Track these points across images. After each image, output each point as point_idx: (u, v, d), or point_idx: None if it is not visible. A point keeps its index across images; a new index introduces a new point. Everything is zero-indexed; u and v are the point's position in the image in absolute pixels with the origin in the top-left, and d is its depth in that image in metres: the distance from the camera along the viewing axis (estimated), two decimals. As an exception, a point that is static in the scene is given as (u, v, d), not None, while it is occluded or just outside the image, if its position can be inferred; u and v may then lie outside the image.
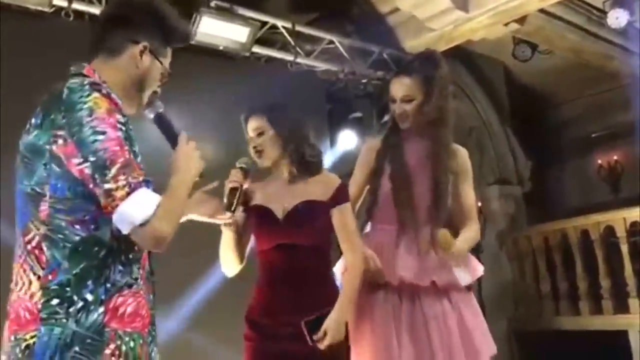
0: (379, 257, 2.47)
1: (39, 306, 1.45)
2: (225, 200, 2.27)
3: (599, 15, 5.69)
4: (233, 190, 2.28)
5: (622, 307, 5.89)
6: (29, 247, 1.50)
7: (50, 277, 1.46)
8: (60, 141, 1.48)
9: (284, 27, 4.87)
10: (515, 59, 6.36)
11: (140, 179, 1.49)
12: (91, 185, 1.47)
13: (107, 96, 1.54)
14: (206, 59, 4.41)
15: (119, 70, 1.66)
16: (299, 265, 2.34)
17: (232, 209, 2.27)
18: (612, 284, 5.97)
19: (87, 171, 1.46)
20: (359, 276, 2.34)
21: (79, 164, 1.46)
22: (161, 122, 1.76)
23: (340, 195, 2.39)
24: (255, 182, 2.45)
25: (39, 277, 1.47)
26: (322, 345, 2.21)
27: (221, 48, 4.42)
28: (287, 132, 2.41)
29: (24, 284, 1.49)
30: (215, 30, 4.31)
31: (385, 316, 2.42)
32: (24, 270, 1.50)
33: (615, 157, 7.57)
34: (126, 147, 1.49)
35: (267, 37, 4.88)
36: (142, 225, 1.46)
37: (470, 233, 2.49)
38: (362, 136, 5.06)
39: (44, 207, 1.49)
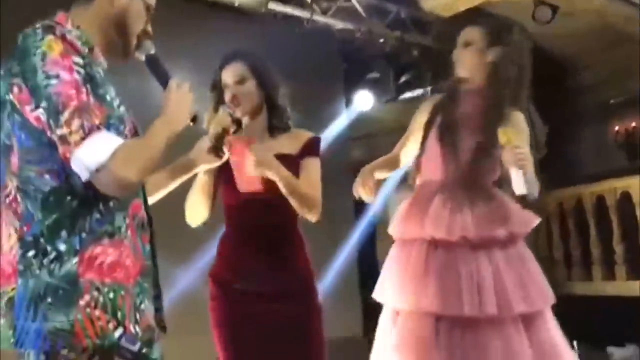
0: (413, 211, 2.50)
1: (17, 258, 1.45)
2: (211, 144, 2.15)
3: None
4: (221, 134, 2.14)
5: (635, 272, 5.89)
6: (7, 200, 1.49)
7: (25, 228, 1.45)
8: (16, 89, 1.45)
9: (300, -17, 4.80)
10: (534, 21, 6.22)
11: (97, 122, 1.42)
12: (49, 133, 1.42)
13: (62, 37, 1.47)
14: (221, 15, 4.34)
15: (95, 14, 1.59)
16: (269, 221, 2.28)
17: (220, 153, 2.16)
18: (625, 250, 5.96)
19: (42, 118, 1.43)
20: (308, 205, 2.25)
21: (32, 110, 1.43)
22: (151, 64, 1.70)
23: (308, 148, 2.32)
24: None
25: (16, 230, 1.46)
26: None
27: (237, 4, 4.35)
28: (269, 84, 2.32)
29: (5, 238, 1.48)
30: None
31: (415, 265, 2.42)
32: (5, 224, 1.49)
33: (633, 124, 7.45)
34: (83, 90, 1.43)
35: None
36: (98, 170, 1.41)
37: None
38: (379, 97, 5.02)
39: (14, 159, 1.48)
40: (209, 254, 2.55)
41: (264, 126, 2.33)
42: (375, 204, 5.39)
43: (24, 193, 1.46)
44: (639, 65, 6.29)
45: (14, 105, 1.46)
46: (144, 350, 1.48)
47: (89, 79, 1.46)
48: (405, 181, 5.23)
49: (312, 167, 2.31)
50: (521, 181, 2.28)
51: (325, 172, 2.35)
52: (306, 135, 2.37)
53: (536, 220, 2.52)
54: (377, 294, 2.56)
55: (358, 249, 5.35)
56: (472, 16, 5.44)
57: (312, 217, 2.27)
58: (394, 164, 2.72)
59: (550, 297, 2.45)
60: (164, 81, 1.67)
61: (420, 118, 2.63)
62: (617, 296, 5.84)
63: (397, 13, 5.37)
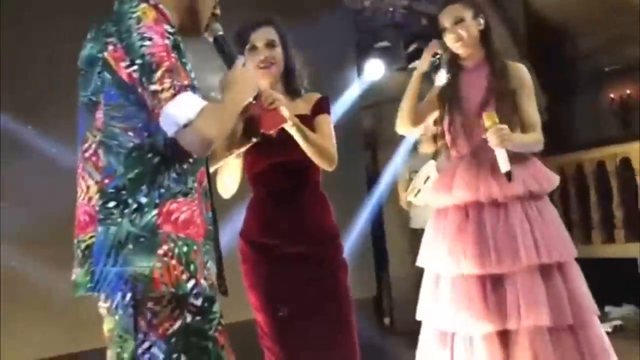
0: (442, 181, 2.69)
1: (97, 208, 1.53)
2: (245, 127, 2.08)
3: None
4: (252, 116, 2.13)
5: (633, 235, 6.08)
6: (86, 154, 1.58)
7: (106, 180, 1.53)
8: (111, 47, 1.54)
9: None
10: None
11: (186, 82, 1.51)
12: (140, 89, 1.51)
13: (155, 7, 1.57)
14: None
15: None
16: (294, 183, 2.38)
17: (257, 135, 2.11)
18: (624, 214, 6.14)
19: (135, 75, 1.51)
20: (324, 155, 2.32)
21: (127, 66, 1.51)
22: (219, 44, 1.80)
23: (319, 107, 2.43)
24: None
25: (96, 182, 1.55)
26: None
27: (253, -27, 4.34)
28: (290, 51, 2.43)
29: (82, 190, 1.57)
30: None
31: (450, 231, 2.57)
32: (83, 178, 1.58)
33: (628, 91, 7.61)
34: (173, 55, 1.52)
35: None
36: (185, 126, 1.49)
37: (529, 137, 2.58)
38: (390, 65, 5.08)
39: (100, 115, 1.56)
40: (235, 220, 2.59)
41: (282, 91, 2.41)
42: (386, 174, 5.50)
43: (106, 147, 1.55)
44: (635, 34, 6.40)
45: (107, 63, 1.54)
46: (206, 305, 1.57)
47: (177, 46, 1.55)
48: (414, 151, 5.31)
49: (325, 123, 2.41)
50: (505, 160, 2.43)
51: (337, 143, 2.41)
52: (315, 96, 2.47)
53: (556, 180, 2.66)
54: (420, 261, 2.72)
55: (370, 218, 5.44)
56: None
57: (329, 167, 2.37)
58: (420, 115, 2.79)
59: (574, 250, 2.60)
60: (230, 61, 1.77)
61: (432, 98, 2.77)
62: (616, 258, 6.04)
63: (405, -18, 5.41)
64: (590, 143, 6.69)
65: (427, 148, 5.00)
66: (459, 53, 2.66)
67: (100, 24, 1.60)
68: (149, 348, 1.50)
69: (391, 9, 5.32)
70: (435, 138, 4.24)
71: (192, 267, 1.53)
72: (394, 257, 6.26)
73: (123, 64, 1.52)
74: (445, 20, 2.65)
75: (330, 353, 2.31)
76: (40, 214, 3.52)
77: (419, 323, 2.75)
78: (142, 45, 1.50)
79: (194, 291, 1.53)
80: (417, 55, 5.34)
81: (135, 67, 1.51)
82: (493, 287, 2.47)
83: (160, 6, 1.59)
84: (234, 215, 2.60)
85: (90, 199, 1.55)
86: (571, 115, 7.57)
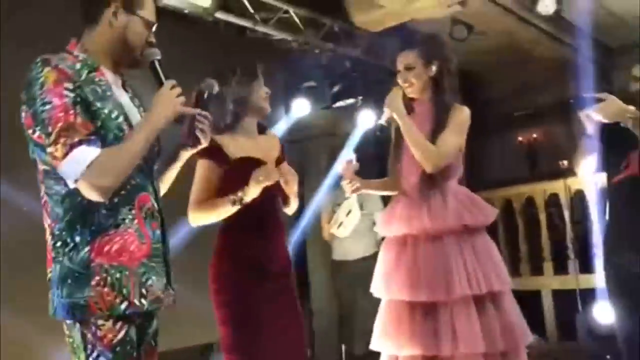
0: (388, 212, 2.93)
1: (50, 247, 1.79)
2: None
3: (530, 2, 6.15)
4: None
5: (537, 270, 6.53)
6: (42, 202, 1.82)
7: (53, 224, 1.79)
8: (24, 114, 1.75)
9: (243, -6, 5.00)
10: (452, 38, 6.69)
11: (76, 139, 1.68)
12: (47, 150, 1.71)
13: (56, 68, 1.73)
14: (173, 22, 4.50)
15: (100, 36, 1.87)
16: (280, 211, 2.70)
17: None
18: (529, 250, 6.59)
19: (40, 140, 1.72)
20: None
21: (34, 132, 1.72)
22: (153, 68, 1.91)
23: (283, 153, 2.80)
24: (218, 134, 2.55)
25: (48, 225, 1.80)
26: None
27: (186, 12, 4.52)
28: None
29: (45, 231, 1.82)
30: (181, -6, 4.42)
31: (390, 256, 2.82)
32: (44, 221, 1.82)
33: (534, 135, 8.19)
34: (71, 111, 1.69)
35: (227, 3, 5.00)
36: (76, 181, 1.70)
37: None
38: (315, 104, 5.32)
39: (40, 170, 1.80)
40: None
41: (255, 126, 2.72)
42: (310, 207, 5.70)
43: (49, 196, 1.79)
44: (541, 82, 6.96)
45: (25, 129, 1.75)
46: (144, 320, 1.87)
47: (80, 100, 1.73)
48: (338, 185, 5.54)
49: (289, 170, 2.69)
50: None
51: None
52: (277, 138, 2.83)
53: (494, 213, 2.87)
54: (372, 288, 2.90)
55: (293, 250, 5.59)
56: (407, 36, 5.87)
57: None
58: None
59: (507, 281, 2.80)
60: (160, 83, 1.90)
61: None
62: (521, 290, 6.44)
63: (331, 26, 5.69)
64: (499, 183, 7.16)
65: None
66: (407, 94, 2.88)
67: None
68: (98, 357, 1.74)
69: (317, 51, 5.59)
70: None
71: (124, 291, 1.76)
72: (316, 289, 6.38)
73: (31, 130, 1.73)
74: (399, 64, 2.89)
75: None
76: None
77: (340, 354, 2.95)
78: (42, 111, 1.69)
79: (127, 312, 1.76)
80: (340, 95, 5.65)
81: (39, 132, 1.70)
82: (424, 314, 2.65)
83: (61, 66, 1.74)
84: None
85: (47, 240, 1.80)
86: (482, 155, 8.06)
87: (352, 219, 5.06)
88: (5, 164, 3.67)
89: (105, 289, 1.73)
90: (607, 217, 3.23)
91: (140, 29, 1.89)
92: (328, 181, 5.47)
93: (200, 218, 2.56)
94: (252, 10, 5.06)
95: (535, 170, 8.02)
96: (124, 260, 1.76)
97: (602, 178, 3.99)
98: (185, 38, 4.63)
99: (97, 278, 1.73)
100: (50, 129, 1.67)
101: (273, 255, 2.60)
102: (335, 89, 5.44)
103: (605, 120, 2.78)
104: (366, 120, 5.41)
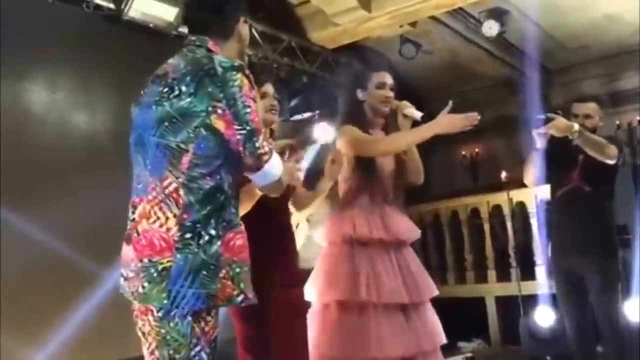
0: (332, 219, 3.05)
1: (176, 238, 1.81)
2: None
3: (475, 24, 6.52)
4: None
5: (482, 277, 6.85)
6: (166, 191, 1.84)
7: (185, 215, 1.82)
8: (220, 111, 1.83)
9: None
10: (401, 56, 6.97)
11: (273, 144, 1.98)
12: (240, 148, 1.86)
13: (247, 75, 1.89)
14: (139, 35, 4.60)
15: (232, 48, 2.05)
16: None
17: None
18: (474, 258, 6.91)
19: (240, 137, 1.86)
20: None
21: (237, 130, 1.84)
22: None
23: None
24: None
25: (175, 215, 1.82)
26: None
27: (151, 26, 4.62)
28: None
29: (158, 218, 1.84)
30: (147, 8, 4.51)
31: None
32: (160, 208, 1.84)
33: (476, 149, 8.58)
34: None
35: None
36: (279, 179, 1.97)
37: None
38: (273, 118, 5.46)
39: (186, 161, 1.84)
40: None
41: None
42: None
43: (188, 189, 1.83)
44: (482, 100, 7.32)
45: (211, 123, 1.83)
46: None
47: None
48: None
49: None
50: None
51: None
52: None
53: (418, 232, 3.09)
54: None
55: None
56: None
57: None
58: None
59: (435, 290, 2.98)
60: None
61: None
62: (466, 297, 6.76)
63: (289, 42, 5.88)
64: (443, 195, 7.48)
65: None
66: (380, 109, 3.05)
67: (201, 82, 1.82)
68: (199, 351, 1.83)
69: (275, 66, 5.75)
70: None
71: (242, 285, 1.88)
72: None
73: (231, 129, 1.84)
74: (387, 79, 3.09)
75: None
76: None
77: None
78: (245, 113, 1.84)
79: (242, 303, 1.89)
80: (297, 109, 5.83)
81: (243, 132, 1.85)
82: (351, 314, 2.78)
83: (247, 71, 1.90)
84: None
85: (168, 229, 1.81)
86: (428, 169, 8.38)
87: (300, 232, 5.18)
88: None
89: (228, 282, 1.84)
90: (554, 224, 3.57)
91: (247, 33, 2.13)
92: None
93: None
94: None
95: (478, 182, 8.38)
96: (244, 256, 1.91)
97: (543, 190, 4.37)
98: (151, 51, 4.70)
99: (224, 271, 1.83)
100: (256, 132, 1.86)
101: (283, 265, 2.61)
102: (293, 102, 5.61)
103: (557, 135, 3.20)
104: (323, 133, 5.58)
